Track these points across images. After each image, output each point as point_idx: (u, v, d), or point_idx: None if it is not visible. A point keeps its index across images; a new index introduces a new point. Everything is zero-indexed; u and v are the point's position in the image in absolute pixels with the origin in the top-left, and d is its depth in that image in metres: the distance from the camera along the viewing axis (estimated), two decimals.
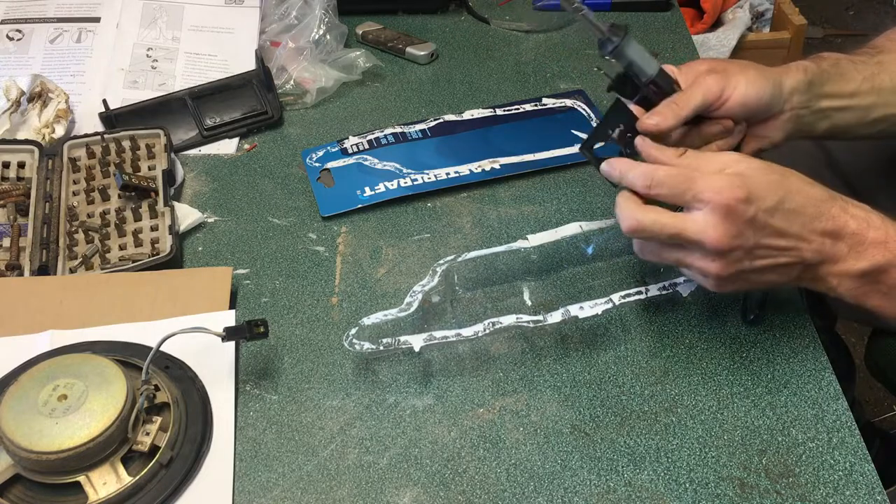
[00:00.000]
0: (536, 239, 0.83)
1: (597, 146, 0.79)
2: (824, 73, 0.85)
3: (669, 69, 0.84)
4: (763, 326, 0.81)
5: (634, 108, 0.81)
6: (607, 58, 0.80)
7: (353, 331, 0.77)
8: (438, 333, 0.76)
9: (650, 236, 0.71)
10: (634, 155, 0.80)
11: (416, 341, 0.76)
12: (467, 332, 0.76)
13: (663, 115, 0.80)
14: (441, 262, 0.83)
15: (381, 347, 0.76)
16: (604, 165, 0.75)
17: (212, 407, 0.75)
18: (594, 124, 1.04)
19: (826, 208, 0.71)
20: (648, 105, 0.80)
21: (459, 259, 0.83)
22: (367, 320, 0.78)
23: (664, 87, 0.81)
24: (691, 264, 0.71)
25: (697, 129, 0.83)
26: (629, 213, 0.71)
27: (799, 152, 1.09)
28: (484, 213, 0.95)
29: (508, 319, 0.76)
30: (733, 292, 0.73)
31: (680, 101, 0.81)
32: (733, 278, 0.71)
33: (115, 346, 0.78)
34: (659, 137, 0.79)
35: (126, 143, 1.00)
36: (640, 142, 0.76)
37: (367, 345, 0.76)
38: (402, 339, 0.76)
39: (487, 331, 0.76)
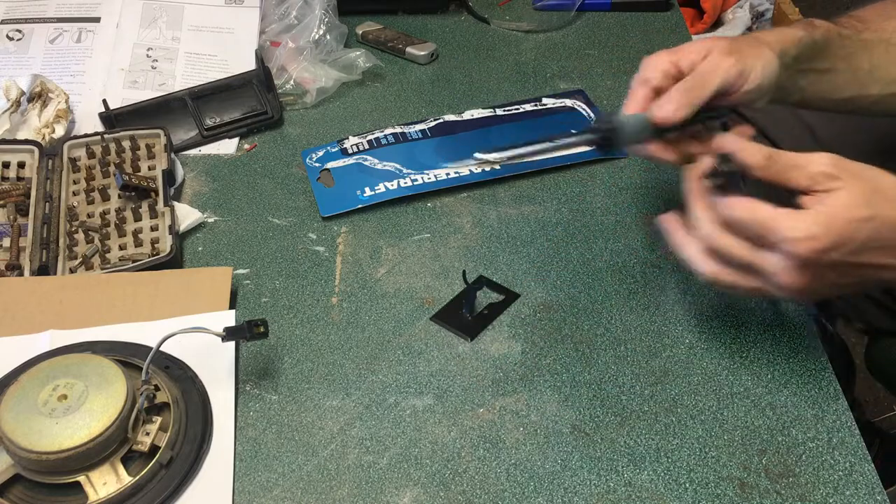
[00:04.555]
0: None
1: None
2: (815, 45, 0.79)
3: (660, 59, 0.74)
4: (763, 326, 0.81)
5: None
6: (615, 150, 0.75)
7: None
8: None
9: (727, 253, 0.65)
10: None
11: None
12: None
13: (677, 103, 0.69)
14: None
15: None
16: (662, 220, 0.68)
17: (212, 407, 0.75)
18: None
19: None
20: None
21: None
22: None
23: None
24: (769, 292, 0.66)
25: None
26: (704, 233, 0.65)
27: (781, 127, 1.07)
28: (484, 213, 0.95)
29: None
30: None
31: (696, 85, 0.69)
32: (815, 290, 0.65)
33: (115, 346, 0.78)
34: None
35: (126, 143, 1.00)
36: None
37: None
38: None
39: None
